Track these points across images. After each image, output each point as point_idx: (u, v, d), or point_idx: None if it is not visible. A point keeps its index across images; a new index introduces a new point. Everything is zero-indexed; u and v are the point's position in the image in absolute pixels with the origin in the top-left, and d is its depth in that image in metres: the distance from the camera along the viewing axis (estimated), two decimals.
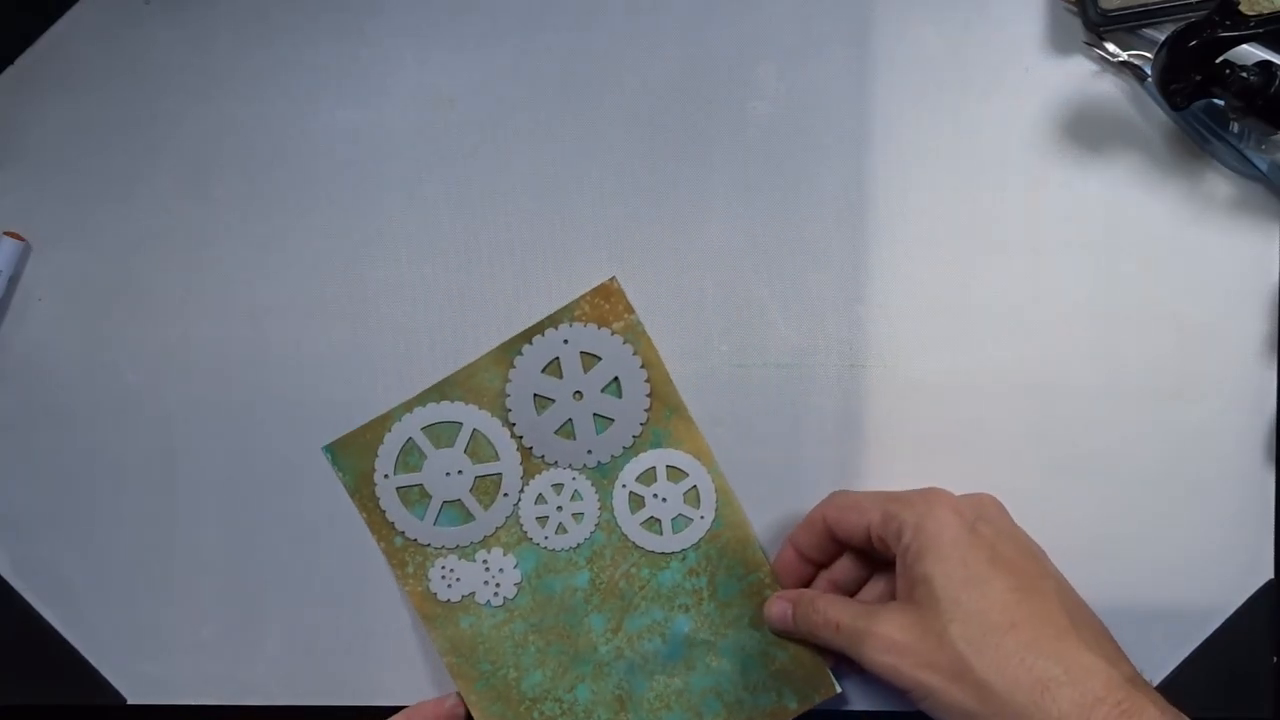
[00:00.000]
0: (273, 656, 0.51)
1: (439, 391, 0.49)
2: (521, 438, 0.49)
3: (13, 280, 0.51)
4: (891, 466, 0.49)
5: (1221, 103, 0.46)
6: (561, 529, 0.49)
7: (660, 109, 0.50)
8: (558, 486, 0.49)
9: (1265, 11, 0.42)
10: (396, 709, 0.50)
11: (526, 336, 0.49)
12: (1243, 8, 0.42)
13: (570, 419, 0.49)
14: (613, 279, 0.49)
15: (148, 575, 0.51)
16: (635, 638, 0.49)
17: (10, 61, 0.51)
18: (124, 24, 0.51)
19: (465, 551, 0.49)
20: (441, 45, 0.50)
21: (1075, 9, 0.48)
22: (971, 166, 0.49)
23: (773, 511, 0.49)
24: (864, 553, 0.46)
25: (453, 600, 0.49)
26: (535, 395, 0.49)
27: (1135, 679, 0.38)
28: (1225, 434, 0.49)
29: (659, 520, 0.49)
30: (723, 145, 0.50)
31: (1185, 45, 0.43)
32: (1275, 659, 0.49)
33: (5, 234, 0.50)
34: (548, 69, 0.50)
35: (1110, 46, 0.48)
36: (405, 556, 0.49)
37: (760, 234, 0.50)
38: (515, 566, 0.49)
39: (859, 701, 0.50)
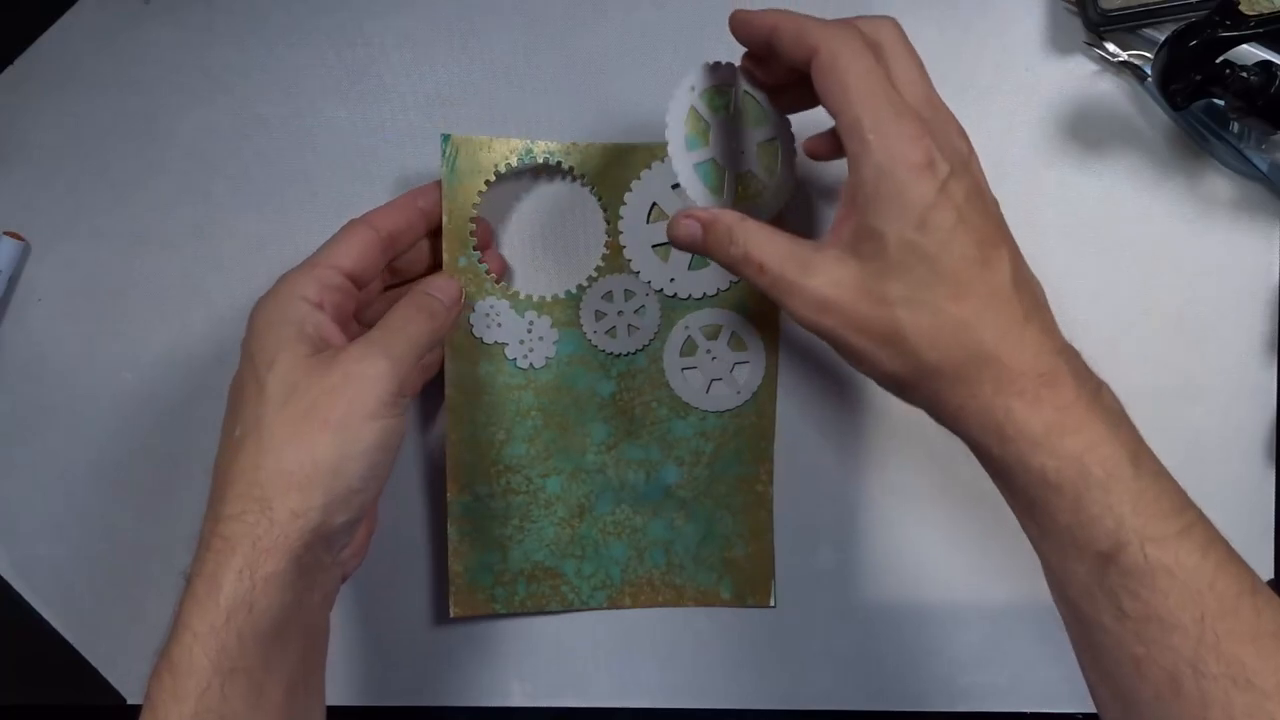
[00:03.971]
0: None
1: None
2: (620, 234, 0.49)
3: (13, 280, 0.51)
4: (892, 467, 0.49)
5: (1221, 103, 0.46)
6: (613, 333, 0.49)
7: (660, 109, 0.50)
8: (629, 293, 0.49)
9: (1265, 11, 0.42)
10: (397, 709, 0.50)
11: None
12: (1243, 8, 0.42)
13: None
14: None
15: (148, 575, 0.51)
16: (624, 464, 0.49)
17: (10, 61, 0.51)
18: (124, 24, 0.51)
19: (517, 304, 0.48)
20: (441, 45, 0.50)
21: (1075, 9, 0.48)
22: None
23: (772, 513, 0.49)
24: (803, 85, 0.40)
25: (484, 341, 0.48)
26: (654, 204, 0.48)
27: (1064, 349, 0.37)
28: (1225, 434, 0.49)
29: (700, 373, 0.49)
30: None
31: (1185, 45, 0.43)
32: None
33: (5, 234, 0.50)
34: (547, 69, 0.50)
35: (1110, 46, 0.48)
36: (462, 279, 0.47)
37: None
38: (555, 342, 0.49)
39: (860, 701, 0.50)
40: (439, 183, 0.47)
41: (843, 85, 0.36)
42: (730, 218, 0.40)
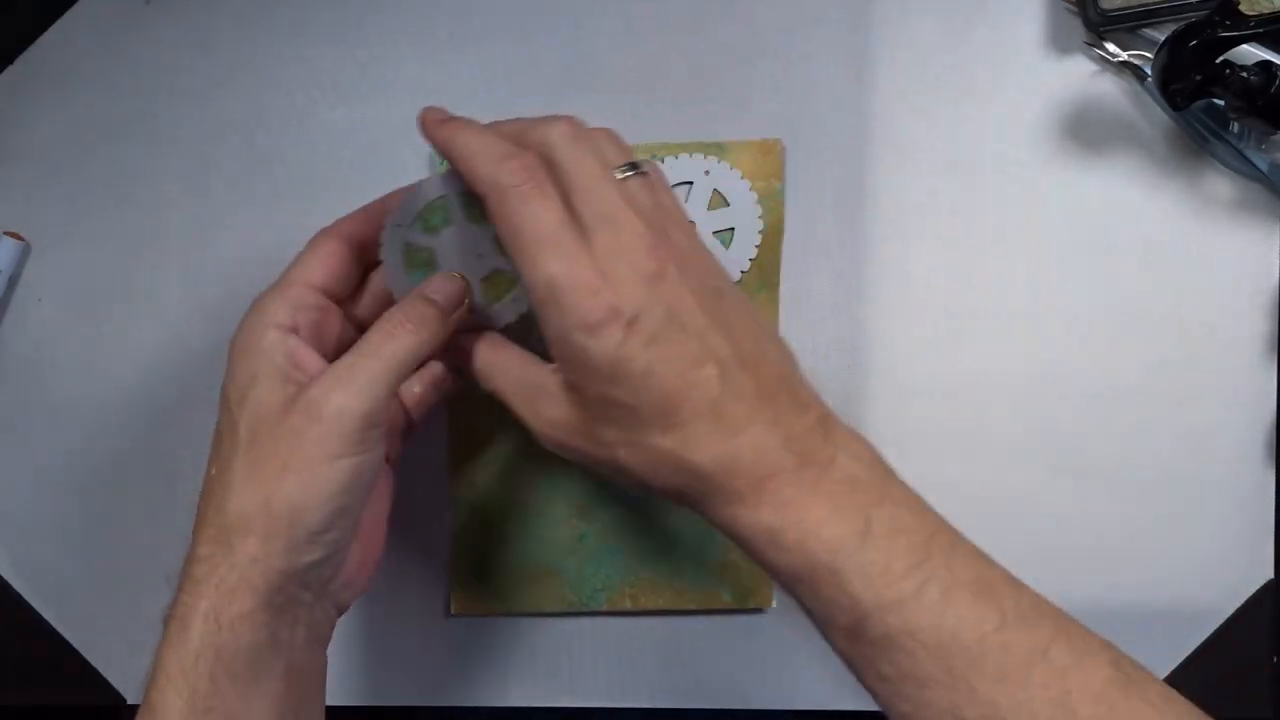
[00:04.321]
0: None
1: None
2: None
3: (13, 280, 0.51)
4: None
5: (1221, 103, 0.46)
6: None
7: (660, 109, 0.50)
8: None
9: (1265, 11, 0.42)
10: (397, 709, 0.50)
11: (675, 149, 0.49)
12: (1243, 8, 0.42)
13: None
14: (779, 140, 0.49)
15: (148, 575, 0.51)
16: None
17: (10, 61, 0.51)
18: (124, 24, 0.51)
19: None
20: (441, 45, 0.50)
21: (1075, 9, 0.48)
22: (972, 166, 0.49)
23: None
24: None
25: None
26: None
27: (792, 437, 0.35)
28: (1225, 435, 0.49)
29: None
30: None
31: (1185, 45, 0.43)
32: (1275, 659, 0.49)
33: (5, 234, 0.50)
34: (547, 68, 0.50)
35: (1110, 46, 0.48)
36: None
37: None
38: None
39: (860, 702, 0.50)
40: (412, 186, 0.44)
41: (511, 240, 0.36)
42: (478, 346, 0.41)
